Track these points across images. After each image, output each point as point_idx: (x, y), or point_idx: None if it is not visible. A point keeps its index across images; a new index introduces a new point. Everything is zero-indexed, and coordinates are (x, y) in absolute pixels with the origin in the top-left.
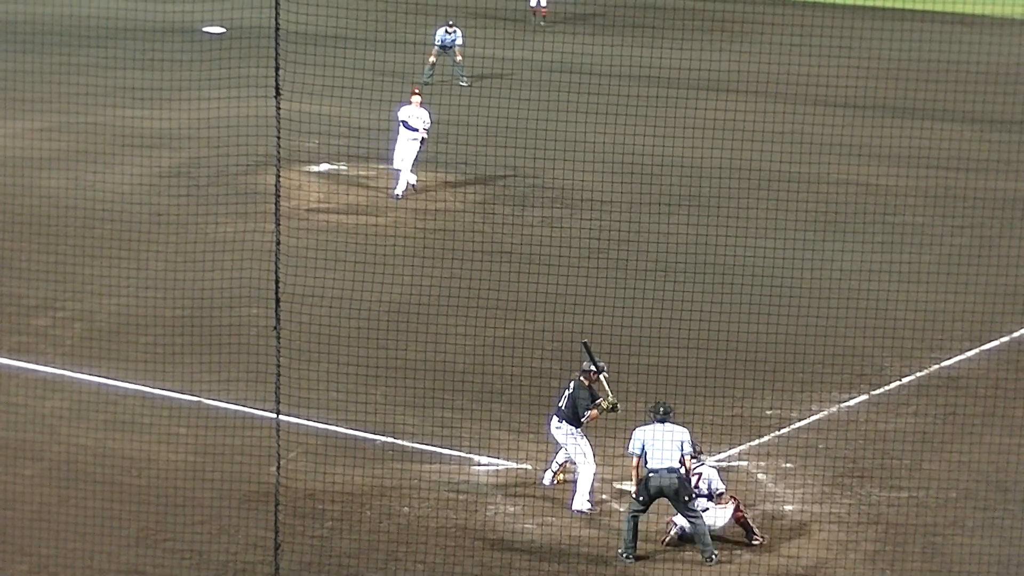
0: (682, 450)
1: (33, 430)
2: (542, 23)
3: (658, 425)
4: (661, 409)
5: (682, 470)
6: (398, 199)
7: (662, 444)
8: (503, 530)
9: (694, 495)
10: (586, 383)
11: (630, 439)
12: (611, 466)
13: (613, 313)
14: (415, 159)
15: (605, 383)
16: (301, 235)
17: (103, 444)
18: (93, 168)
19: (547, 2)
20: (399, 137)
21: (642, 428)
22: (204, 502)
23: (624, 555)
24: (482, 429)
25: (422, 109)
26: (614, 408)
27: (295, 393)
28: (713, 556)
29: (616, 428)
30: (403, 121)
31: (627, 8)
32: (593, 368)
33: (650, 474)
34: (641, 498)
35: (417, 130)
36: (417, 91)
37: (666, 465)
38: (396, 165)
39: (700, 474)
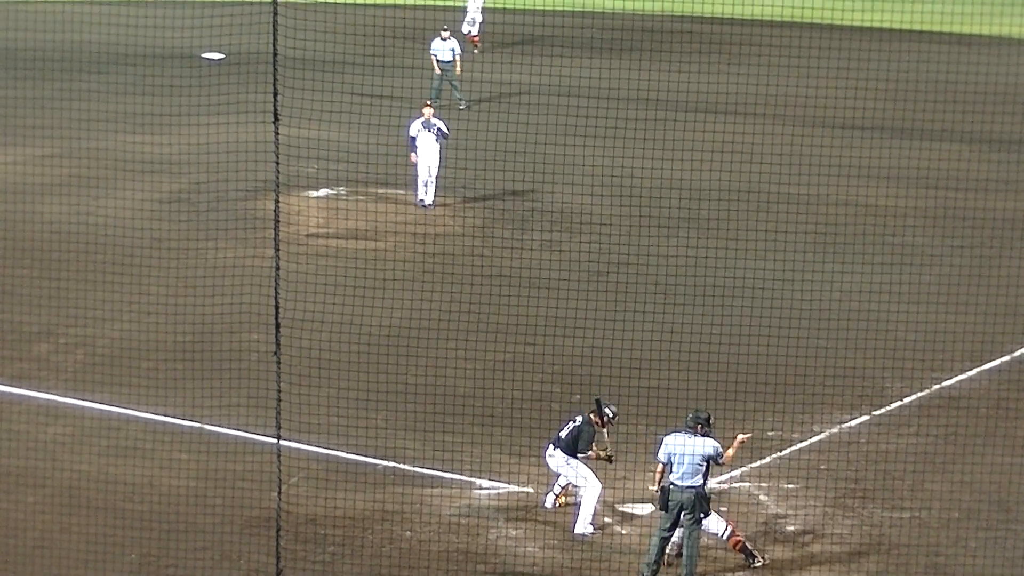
0: (707, 463)
1: (35, 457)
2: (475, 51)
3: (687, 437)
4: (690, 416)
5: (705, 487)
6: (427, 207)
7: (688, 459)
8: (505, 554)
9: (704, 516)
10: (595, 421)
11: (660, 444)
12: (613, 488)
13: (614, 336)
14: (440, 164)
15: (605, 434)
16: (301, 260)
17: (105, 471)
18: (94, 194)
19: (478, 31)
20: (419, 149)
21: (673, 434)
22: (206, 528)
23: (641, 573)
24: (483, 453)
25: (436, 119)
26: (609, 459)
27: (296, 418)
28: None
29: (617, 451)
30: (412, 138)
31: (624, 31)
32: (608, 414)
33: (671, 487)
34: (665, 512)
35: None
36: (429, 103)
37: (686, 483)
38: (423, 176)
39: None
